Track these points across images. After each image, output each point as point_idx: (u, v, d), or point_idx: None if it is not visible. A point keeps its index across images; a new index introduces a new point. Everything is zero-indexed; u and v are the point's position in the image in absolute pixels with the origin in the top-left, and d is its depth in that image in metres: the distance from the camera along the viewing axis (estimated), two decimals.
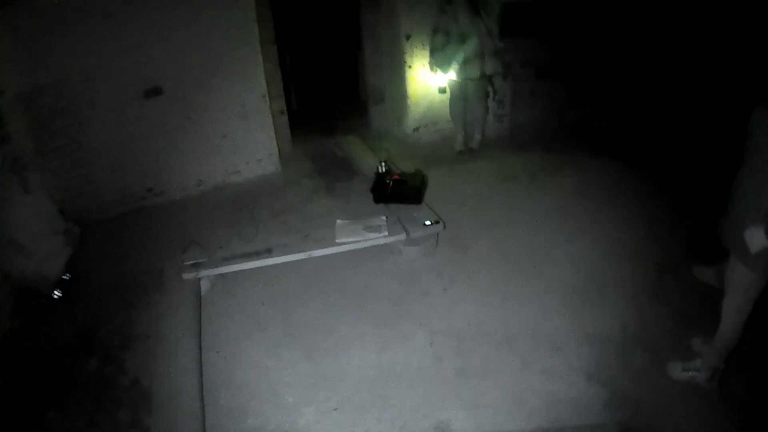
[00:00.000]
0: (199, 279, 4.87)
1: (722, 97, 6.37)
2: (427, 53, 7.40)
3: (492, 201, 6.29)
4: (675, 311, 4.41)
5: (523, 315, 4.47)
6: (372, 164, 6.18)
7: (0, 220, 4.58)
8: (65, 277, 5.02)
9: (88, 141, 6.05)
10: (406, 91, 7.92)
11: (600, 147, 7.50)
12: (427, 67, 7.46)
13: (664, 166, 6.75)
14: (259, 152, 7.15)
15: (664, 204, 5.96)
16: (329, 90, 9.96)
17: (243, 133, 6.91)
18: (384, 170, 5.82)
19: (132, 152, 6.32)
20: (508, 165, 7.26)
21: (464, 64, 7.02)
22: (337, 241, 5.02)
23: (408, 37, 7.61)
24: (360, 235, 5.06)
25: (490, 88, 7.64)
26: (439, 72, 7.27)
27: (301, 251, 4.95)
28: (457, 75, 7.14)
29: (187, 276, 4.79)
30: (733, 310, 3.51)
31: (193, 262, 4.87)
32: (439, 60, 7.16)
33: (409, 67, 7.76)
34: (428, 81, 7.74)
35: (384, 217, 5.28)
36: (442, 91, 7.60)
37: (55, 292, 4.88)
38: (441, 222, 5.27)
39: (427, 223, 5.22)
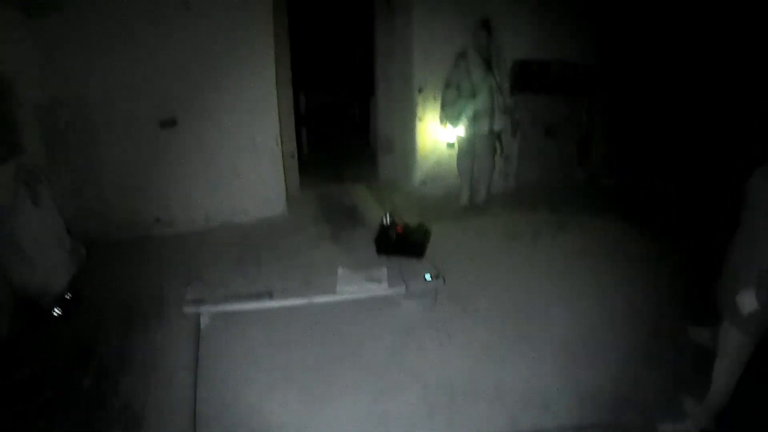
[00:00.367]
0: (200, 314, 4.93)
1: (727, 160, 6.43)
2: (438, 107, 7.52)
3: (494, 259, 6.34)
4: (668, 372, 4.43)
5: (517, 372, 4.48)
6: (377, 215, 6.26)
7: (8, 230, 4.64)
8: (67, 297, 5.07)
9: (100, 161, 6.19)
10: (415, 144, 8.03)
11: (605, 206, 7.58)
12: (438, 120, 7.57)
13: (669, 226, 6.82)
14: (268, 193, 7.24)
15: (665, 265, 6.01)
16: (340, 136, 10.08)
17: (253, 174, 7.02)
18: (388, 222, 5.89)
19: (143, 179, 6.44)
20: (512, 223, 7.32)
21: (474, 120, 7.15)
22: (338, 289, 5.08)
23: (420, 90, 7.75)
24: (361, 286, 5.12)
25: (498, 145, 7.74)
26: (449, 126, 7.37)
27: (302, 297, 5.01)
28: (466, 130, 7.25)
29: (188, 310, 4.86)
30: (725, 372, 3.57)
31: (195, 297, 4.93)
32: (449, 114, 7.27)
33: (420, 119, 7.89)
34: (438, 135, 7.86)
35: (385, 269, 5.34)
36: (451, 146, 7.71)
37: (55, 310, 4.93)
38: (441, 277, 5.31)
39: (428, 277, 5.27)
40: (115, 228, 6.43)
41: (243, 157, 6.87)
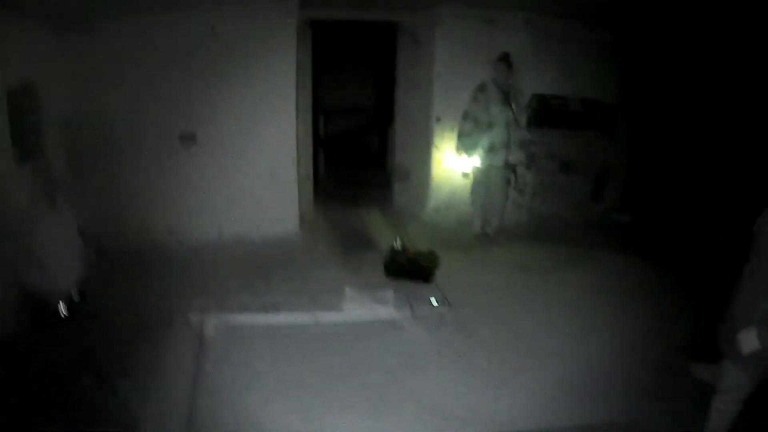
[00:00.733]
0: (205, 324, 4.98)
1: (740, 201, 6.42)
2: (454, 137, 7.56)
3: (502, 289, 6.33)
4: (668, 408, 4.37)
5: (516, 403, 4.45)
6: (388, 239, 6.30)
7: (24, 231, 4.72)
8: (74, 298, 5.14)
9: (118, 172, 6.32)
10: (430, 172, 8.11)
11: (617, 243, 7.57)
12: (454, 150, 7.61)
13: (680, 264, 6.78)
14: (282, 213, 7.34)
15: (672, 301, 5.98)
16: (357, 162, 10.15)
17: (268, 193, 7.12)
18: (399, 247, 5.94)
19: (159, 192, 6.58)
20: (523, 255, 7.34)
21: (489, 152, 7.21)
22: (344, 309, 5.12)
23: (438, 120, 7.84)
24: (367, 306, 5.15)
25: (512, 177, 7.79)
26: (464, 156, 7.41)
27: (308, 313, 5.07)
28: (482, 161, 7.30)
29: (194, 319, 4.92)
30: (722, 409, 3.57)
31: (201, 306, 4.99)
32: (465, 145, 7.32)
33: (437, 148, 7.96)
34: (453, 164, 7.90)
35: (392, 291, 5.37)
36: (466, 176, 7.73)
37: (62, 310, 4.99)
38: (447, 303, 5.34)
39: (434, 302, 5.30)
40: (128, 237, 6.53)
41: (259, 176, 6.99)
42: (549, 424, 4.20)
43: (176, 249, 6.70)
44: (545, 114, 7.99)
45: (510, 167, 7.58)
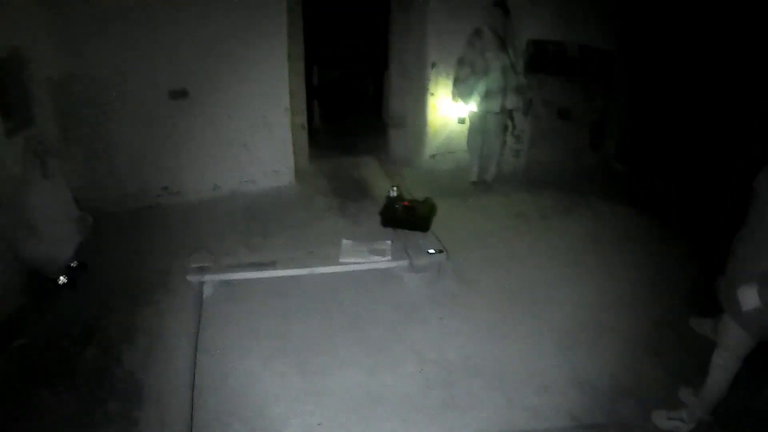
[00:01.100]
0: (203, 283, 4.97)
1: (741, 153, 6.34)
2: (450, 83, 7.48)
3: (500, 236, 6.33)
4: (667, 362, 4.41)
5: (516, 352, 4.49)
6: (385, 188, 6.24)
7: (17, 202, 4.66)
8: (73, 265, 5.10)
9: (110, 133, 6.20)
10: (426, 119, 8.02)
11: (616, 192, 7.52)
12: (450, 96, 7.54)
13: (678, 215, 6.75)
14: (276, 164, 7.26)
15: (672, 254, 5.98)
16: (353, 110, 10.05)
17: (262, 144, 7.03)
18: (395, 195, 5.89)
19: (152, 150, 6.46)
20: (519, 202, 7.32)
21: (486, 97, 7.10)
22: (341, 260, 5.10)
23: (434, 65, 7.72)
24: (364, 257, 5.14)
25: (509, 123, 7.72)
26: (461, 102, 7.34)
27: (305, 267, 5.04)
28: (478, 107, 7.22)
29: (192, 279, 4.91)
30: (722, 365, 3.55)
31: (199, 265, 4.97)
32: (461, 90, 7.24)
33: (432, 94, 7.87)
34: (449, 110, 7.85)
35: (389, 242, 5.36)
36: (461, 121, 7.70)
37: (61, 278, 4.96)
38: (445, 251, 5.32)
39: (431, 251, 5.27)
40: (124, 197, 6.46)
41: (252, 127, 6.88)
42: (551, 382, 4.22)
43: (172, 207, 6.64)
44: (542, 60, 7.85)
45: (507, 113, 7.50)
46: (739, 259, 3.30)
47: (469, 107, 7.32)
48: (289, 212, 6.61)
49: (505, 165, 8.14)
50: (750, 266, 3.13)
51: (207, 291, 5.01)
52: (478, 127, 7.49)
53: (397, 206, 5.74)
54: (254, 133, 6.92)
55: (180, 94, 6.33)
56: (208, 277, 4.94)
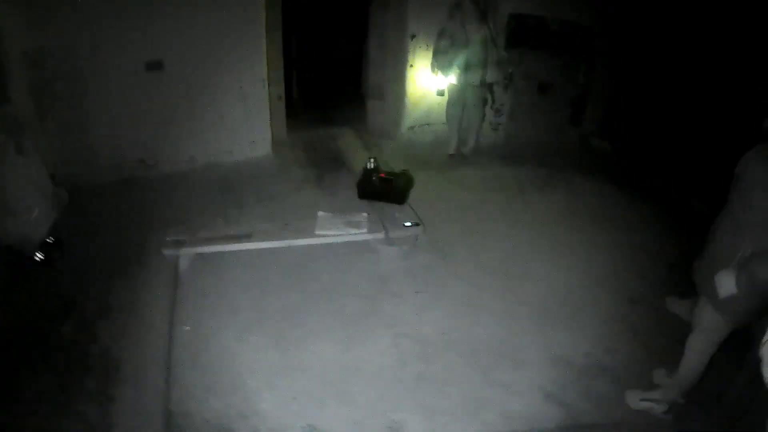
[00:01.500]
0: (179, 257, 4.94)
1: (724, 132, 6.34)
2: (430, 55, 7.44)
3: (477, 210, 6.34)
4: (643, 341, 4.44)
5: (491, 327, 4.51)
6: (362, 160, 6.22)
7: None
8: (49, 241, 5.04)
9: (86, 107, 6.08)
10: (405, 90, 8.02)
11: (595, 168, 7.53)
12: (429, 68, 7.50)
13: (658, 194, 6.77)
14: (253, 136, 7.20)
15: (649, 232, 6.00)
16: (331, 80, 9.98)
17: (239, 115, 6.96)
18: (372, 167, 5.87)
19: (128, 122, 6.36)
20: (497, 175, 7.32)
21: (465, 70, 7.08)
22: (317, 233, 5.08)
23: (413, 37, 7.69)
24: (340, 229, 5.12)
25: (489, 96, 7.69)
26: (440, 75, 7.31)
27: (281, 240, 5.02)
28: (458, 80, 7.19)
29: (168, 253, 4.87)
30: (697, 348, 3.56)
31: (175, 239, 4.93)
32: (441, 63, 7.20)
33: (411, 66, 7.86)
34: (428, 82, 7.82)
35: (365, 214, 5.35)
36: (441, 93, 7.67)
37: (37, 255, 4.89)
38: (421, 224, 5.32)
39: (407, 224, 5.27)
40: (100, 171, 6.35)
41: (228, 99, 6.80)
42: (526, 357, 4.24)
43: (148, 179, 6.55)
44: (523, 34, 7.83)
45: (487, 87, 7.46)
46: (718, 244, 3.30)
47: (449, 80, 7.29)
48: (266, 184, 6.57)
49: (484, 138, 8.13)
50: (728, 252, 3.12)
51: (183, 264, 4.97)
52: (457, 100, 7.46)
53: (374, 178, 5.72)
54: (231, 105, 6.85)
55: (155, 66, 6.23)
56: (183, 251, 4.90)
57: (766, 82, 5.66)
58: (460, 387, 3.93)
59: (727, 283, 3.04)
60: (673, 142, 7.24)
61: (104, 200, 6.00)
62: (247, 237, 5.00)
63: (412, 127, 8.29)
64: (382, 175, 5.79)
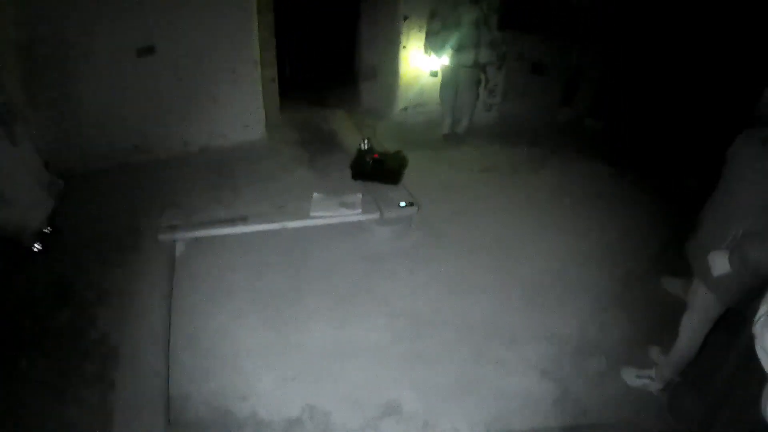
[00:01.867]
0: (175, 241, 4.97)
1: (717, 113, 6.33)
2: (422, 36, 7.42)
3: (470, 189, 6.37)
4: (637, 319, 4.48)
5: (485, 305, 4.56)
6: (356, 141, 6.23)
7: None
8: (46, 230, 5.04)
9: (78, 94, 6.05)
10: (398, 71, 7.98)
11: (588, 148, 7.53)
12: (422, 49, 7.48)
13: (651, 173, 6.77)
14: (246, 118, 7.17)
15: (643, 212, 6.00)
16: (324, 61, 9.94)
17: (232, 98, 6.93)
18: (366, 148, 5.88)
19: (121, 109, 6.32)
20: (491, 155, 7.34)
21: (458, 51, 7.05)
22: (311, 214, 5.10)
23: (405, 18, 7.64)
24: (334, 211, 5.14)
25: (482, 77, 7.69)
26: (433, 55, 7.28)
27: (276, 222, 5.04)
28: (451, 60, 7.17)
29: (163, 237, 4.89)
30: (691, 327, 3.58)
31: (170, 224, 4.95)
32: (433, 44, 7.17)
33: (404, 47, 7.81)
34: (421, 63, 7.80)
35: (360, 195, 5.36)
36: (434, 74, 7.66)
37: (35, 245, 4.90)
38: (416, 205, 5.35)
39: (402, 204, 5.29)
40: (94, 158, 6.32)
41: (221, 82, 6.76)
42: (520, 335, 4.29)
43: (143, 165, 6.52)
44: (516, 15, 7.79)
45: (480, 67, 7.46)
46: (710, 224, 3.30)
47: (442, 60, 7.27)
48: (260, 166, 6.58)
49: (478, 118, 8.12)
50: (720, 232, 3.13)
51: (179, 249, 5.00)
52: (450, 81, 7.45)
53: (367, 159, 5.74)
54: (223, 88, 6.81)
55: (147, 51, 6.20)
56: (179, 235, 4.93)
57: (761, 65, 5.66)
58: (454, 364, 3.99)
59: (719, 263, 3.06)
60: (667, 122, 7.24)
61: (99, 187, 6.00)
62: (242, 220, 5.01)
63: (405, 108, 8.28)
64: (376, 156, 5.80)
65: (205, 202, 5.59)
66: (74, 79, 5.98)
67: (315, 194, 5.34)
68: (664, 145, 7.17)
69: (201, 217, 5.10)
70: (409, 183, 5.73)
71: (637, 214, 5.97)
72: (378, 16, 8.09)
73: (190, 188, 5.99)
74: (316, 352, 4.05)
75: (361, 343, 4.15)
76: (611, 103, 8.11)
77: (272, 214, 5.14)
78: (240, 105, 7.04)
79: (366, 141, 5.94)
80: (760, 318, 2.26)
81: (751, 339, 2.29)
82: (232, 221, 5.01)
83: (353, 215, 5.17)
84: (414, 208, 5.33)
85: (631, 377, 3.92)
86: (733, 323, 3.28)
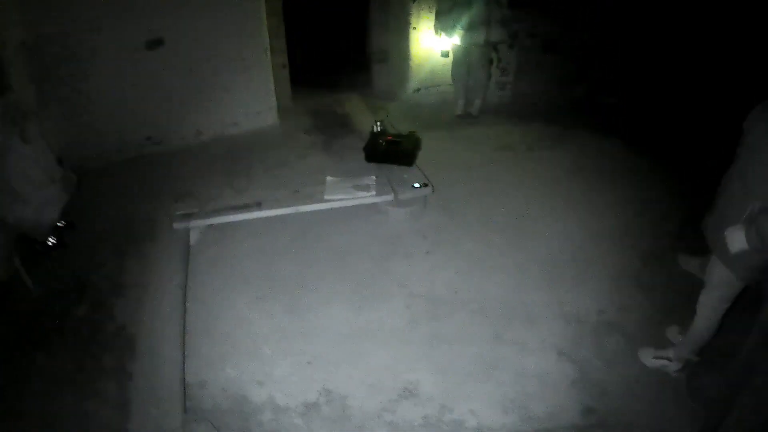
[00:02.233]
0: (189, 229, 4.97)
1: (733, 87, 6.23)
2: (433, 16, 7.39)
3: (485, 169, 6.32)
4: (655, 299, 4.42)
5: (502, 285, 4.52)
6: (369, 123, 6.19)
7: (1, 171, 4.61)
8: (60, 225, 5.04)
9: (89, 89, 6.06)
10: (409, 53, 7.99)
11: (603, 125, 7.43)
12: (432, 30, 7.44)
13: (667, 150, 6.65)
14: (259, 105, 7.17)
15: (660, 189, 5.91)
16: (335, 46, 9.92)
17: (243, 86, 6.94)
18: (379, 130, 5.86)
19: (133, 101, 6.33)
20: (505, 134, 7.28)
21: (469, 30, 7.01)
22: (326, 197, 5.08)
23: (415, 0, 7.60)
24: (349, 193, 5.12)
25: (494, 55, 7.64)
26: (444, 36, 7.24)
27: (290, 206, 5.03)
28: (462, 40, 7.12)
29: (178, 226, 4.89)
30: (709, 305, 3.53)
31: (185, 212, 4.95)
32: (444, 24, 7.14)
33: (414, 28, 7.80)
34: (432, 44, 7.77)
35: (374, 177, 5.34)
36: (445, 54, 7.61)
37: (50, 239, 4.89)
38: (430, 185, 5.30)
39: (416, 185, 5.26)
40: (107, 152, 6.34)
41: (232, 70, 6.76)
42: (538, 316, 4.25)
43: (156, 156, 6.54)
44: None
45: (491, 46, 7.39)
46: (727, 200, 3.23)
47: (453, 40, 7.22)
48: (273, 152, 6.56)
49: (491, 98, 8.09)
50: (737, 208, 3.06)
51: (193, 237, 5.01)
52: (462, 60, 7.41)
53: (381, 141, 5.70)
54: (234, 76, 6.81)
55: (156, 43, 6.20)
56: (194, 223, 4.92)
57: None
58: (473, 346, 3.95)
59: (737, 239, 3.00)
60: (682, 98, 7.16)
61: (113, 180, 6.01)
62: (257, 206, 5.00)
63: (417, 89, 8.27)
64: (389, 137, 5.77)
65: (219, 189, 5.58)
66: (84, 76, 5.98)
67: (329, 178, 5.33)
68: (680, 120, 7.08)
69: (215, 204, 5.10)
70: (424, 164, 5.68)
71: (655, 191, 5.89)
72: None
73: (204, 177, 5.98)
74: (333, 336, 4.04)
75: (378, 325, 4.13)
76: (626, 78, 8.02)
77: (287, 198, 5.12)
78: (251, 92, 7.04)
79: (379, 123, 5.91)
80: None
81: None
82: (246, 207, 5.00)
83: (368, 198, 5.15)
84: (428, 189, 5.28)
85: (649, 358, 3.86)
86: (752, 301, 3.24)
